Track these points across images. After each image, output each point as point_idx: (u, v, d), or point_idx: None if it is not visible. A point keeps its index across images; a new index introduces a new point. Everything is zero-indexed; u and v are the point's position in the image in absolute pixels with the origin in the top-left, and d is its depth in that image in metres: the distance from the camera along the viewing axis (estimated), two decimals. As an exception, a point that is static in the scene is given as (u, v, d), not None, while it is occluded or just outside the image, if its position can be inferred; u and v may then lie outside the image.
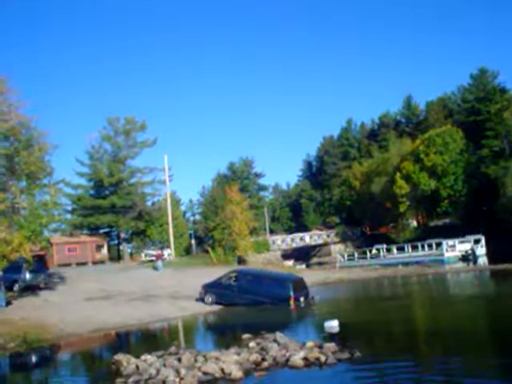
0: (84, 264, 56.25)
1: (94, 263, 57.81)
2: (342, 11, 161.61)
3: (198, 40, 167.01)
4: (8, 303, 24.97)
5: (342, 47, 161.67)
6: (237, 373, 12.44)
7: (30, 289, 28.70)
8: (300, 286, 27.02)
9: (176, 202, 74.77)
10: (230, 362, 13.07)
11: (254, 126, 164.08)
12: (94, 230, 65.34)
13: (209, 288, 28.23)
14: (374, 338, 17.03)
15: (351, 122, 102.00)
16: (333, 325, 17.84)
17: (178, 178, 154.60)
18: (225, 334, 21.51)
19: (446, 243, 53.97)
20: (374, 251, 61.52)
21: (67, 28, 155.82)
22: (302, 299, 26.20)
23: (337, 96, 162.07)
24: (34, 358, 18.93)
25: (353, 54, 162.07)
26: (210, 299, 27.69)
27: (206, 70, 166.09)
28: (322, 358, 12.94)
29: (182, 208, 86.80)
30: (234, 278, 28.12)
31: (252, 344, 15.17)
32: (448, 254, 53.08)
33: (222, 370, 12.63)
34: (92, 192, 65.59)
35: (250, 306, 26.03)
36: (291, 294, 25.56)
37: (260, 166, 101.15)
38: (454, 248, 54.07)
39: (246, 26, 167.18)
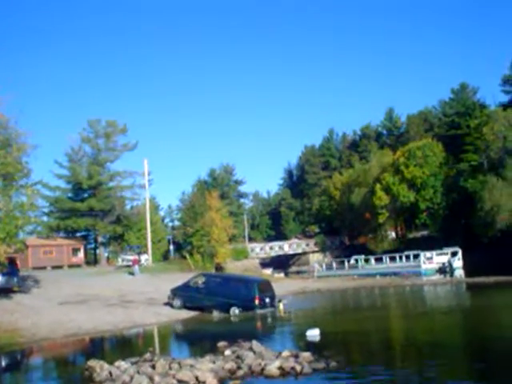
0: (60, 267, 55.45)
1: (70, 267, 57.05)
2: (325, 22, 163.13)
3: (182, 44, 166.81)
4: (-21, 306, 24.47)
5: (325, 57, 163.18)
6: (212, 381, 12.31)
7: (3, 292, 28.11)
8: (266, 287, 27.91)
9: (155, 207, 74.38)
10: (205, 369, 12.93)
11: (236, 132, 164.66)
12: (70, 233, 64.56)
13: (177, 291, 28.50)
14: (350, 348, 17.04)
15: (333, 132, 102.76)
16: (315, 333, 17.98)
17: (157, 182, 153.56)
18: (200, 341, 21.28)
19: (424, 255, 54.42)
20: (352, 261, 61.79)
21: (50, 26, 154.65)
22: (267, 300, 26.95)
23: (319, 106, 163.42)
24: (4, 363, 18.53)
25: (336, 66, 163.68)
26: (179, 303, 27.97)
27: (190, 75, 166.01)
28: (298, 368, 12.87)
29: (161, 213, 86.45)
30: (201, 281, 28.55)
31: (228, 352, 15.03)
32: (425, 266, 53.52)
33: (197, 377, 12.48)
34: (70, 194, 64.82)
35: (217, 308, 26.76)
36: (256, 294, 26.34)
37: (240, 173, 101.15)
38: (432, 260, 54.53)
39: (231, 32, 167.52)
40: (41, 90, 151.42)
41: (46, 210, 63.45)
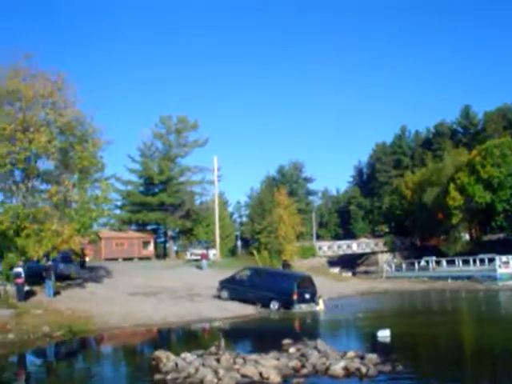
0: (130, 259, 57.23)
1: (141, 259, 58.75)
2: (399, 16, 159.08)
3: (251, 40, 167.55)
4: (56, 293, 25.54)
5: (397, 53, 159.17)
6: (275, 377, 12.22)
7: (62, 278, 29.17)
8: (306, 284, 28.68)
9: (224, 203, 75.16)
10: (269, 366, 12.87)
11: (306, 129, 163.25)
12: (141, 227, 66.49)
13: (224, 284, 29.72)
14: (419, 353, 16.51)
15: (405, 130, 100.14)
16: (385, 334, 17.67)
17: (226, 178, 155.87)
18: (265, 337, 21.29)
19: (500, 259, 51.88)
20: (422, 263, 59.94)
21: (123, 25, 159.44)
22: (307, 296, 27.82)
23: (391, 102, 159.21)
24: (77, 347, 19.31)
25: (409, 61, 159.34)
26: (226, 294, 29.07)
27: (259, 71, 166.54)
28: (363, 369, 12.57)
29: (230, 209, 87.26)
30: (246, 275, 29.96)
31: (292, 350, 14.92)
32: (501, 271, 51.01)
33: (261, 373, 12.44)
34: (142, 189, 66.70)
35: (258, 301, 27.70)
36: (295, 289, 27.18)
37: (310, 171, 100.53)
38: (508, 264, 51.93)
39: (299, 27, 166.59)
40: (115, 86, 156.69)
41: (118, 204, 65.72)
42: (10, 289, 23.76)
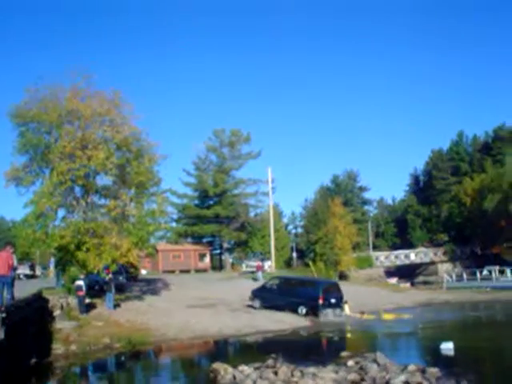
0: (187, 271, 57.95)
1: (197, 271, 59.42)
2: (459, 15, 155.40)
3: (302, 49, 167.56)
4: (116, 306, 26.11)
5: (452, 55, 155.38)
6: (334, 391, 12.03)
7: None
8: (332, 289, 29.76)
9: (278, 214, 75.12)
10: (328, 379, 12.70)
11: (360, 137, 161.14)
12: (197, 239, 67.30)
13: (256, 293, 30.77)
14: (483, 367, 15.84)
15: (462, 135, 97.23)
16: (449, 347, 17.24)
17: (280, 190, 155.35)
18: (322, 350, 21.08)
19: None
20: (485, 272, 57.80)
21: (172, 39, 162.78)
22: (332, 301, 28.58)
23: (447, 107, 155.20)
24: (137, 359, 19.63)
25: (465, 62, 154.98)
26: (258, 303, 29.99)
27: (310, 81, 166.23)
28: (425, 384, 12.19)
29: (285, 220, 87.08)
30: (276, 283, 31.24)
31: (351, 363, 14.66)
32: None
33: (319, 387, 12.28)
34: (197, 202, 67.64)
35: (287, 307, 28.39)
36: (320, 294, 28.17)
37: (365, 180, 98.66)
38: None
39: (343, 35, 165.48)
40: (169, 101, 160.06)
41: (174, 217, 66.85)
42: (72, 301, 24.45)
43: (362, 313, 29.43)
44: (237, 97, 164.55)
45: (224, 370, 14.54)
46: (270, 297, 29.76)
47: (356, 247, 63.34)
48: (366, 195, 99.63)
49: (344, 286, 41.92)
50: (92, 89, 27.65)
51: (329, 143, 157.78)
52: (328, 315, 27.98)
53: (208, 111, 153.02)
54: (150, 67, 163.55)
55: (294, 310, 28.25)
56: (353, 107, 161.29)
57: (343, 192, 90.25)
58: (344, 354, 16.41)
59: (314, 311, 28.03)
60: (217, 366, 14.95)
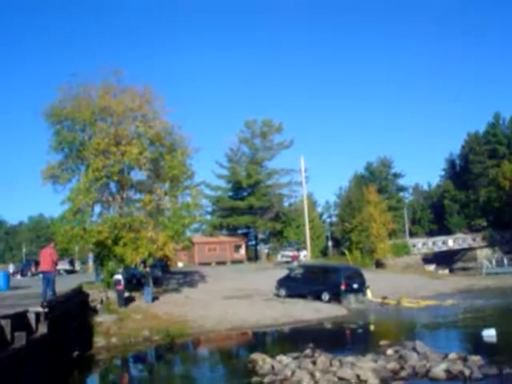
0: (223, 263, 58.34)
1: (233, 262, 59.76)
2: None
3: (333, 36, 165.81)
4: (154, 299, 26.46)
5: (489, 34, 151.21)
6: (373, 380, 11.97)
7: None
8: (354, 275, 30.55)
9: (313, 204, 74.87)
10: (367, 368, 12.61)
11: (393, 123, 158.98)
12: (232, 231, 67.62)
13: (281, 282, 31.37)
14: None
15: (499, 117, 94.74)
16: (491, 333, 16.93)
17: (314, 179, 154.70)
18: (360, 338, 20.94)
19: None
20: (526, 257, 56.51)
21: (202, 30, 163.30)
22: (355, 286, 29.40)
23: (481, 89, 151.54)
24: (176, 351, 19.87)
25: (504, 42, 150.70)
26: (284, 292, 30.54)
27: (341, 66, 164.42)
28: (467, 372, 12.00)
29: (319, 209, 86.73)
30: (300, 272, 32.05)
31: (390, 351, 14.52)
32: None
33: (358, 376, 12.23)
34: (231, 193, 67.95)
35: (311, 295, 29.27)
36: (342, 280, 29.07)
37: (399, 166, 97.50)
38: None
39: (381, 23, 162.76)
40: (200, 94, 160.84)
41: (209, 209, 67.33)
42: (111, 295, 24.88)
43: (384, 298, 29.65)
44: (268, 87, 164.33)
45: (262, 360, 14.61)
46: (294, 285, 30.48)
47: (392, 235, 62.57)
48: (401, 182, 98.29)
49: (380, 274, 41.86)
50: (123, 84, 27.98)
51: (362, 130, 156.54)
52: (350, 300, 28.65)
53: (239, 102, 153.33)
54: (180, 60, 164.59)
55: (318, 297, 29.01)
56: (384, 92, 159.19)
57: (377, 179, 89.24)
58: (382, 342, 16.26)
59: (336, 297, 28.77)
60: (255, 356, 15.02)
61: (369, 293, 30.00)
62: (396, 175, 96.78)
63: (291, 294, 29.91)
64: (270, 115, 79.01)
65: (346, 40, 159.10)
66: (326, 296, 28.96)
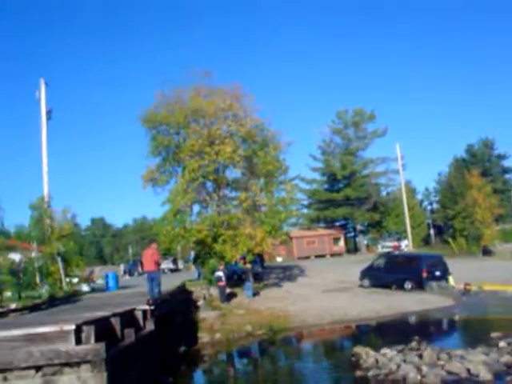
0: (322, 256, 58.06)
1: (332, 255, 59.34)
2: None
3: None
4: (255, 294, 26.82)
5: None
6: (486, 374, 11.35)
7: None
8: (436, 263, 30.13)
9: (411, 191, 72.52)
10: (478, 362, 12.00)
11: (493, 102, 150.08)
12: (330, 223, 67.13)
13: (365, 272, 31.44)
14: None
15: None
16: None
17: (411, 165, 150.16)
18: (469, 330, 19.99)
19: None
20: None
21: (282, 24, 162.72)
22: (437, 273, 29.09)
23: None
24: (279, 345, 20.02)
25: None
26: (367, 282, 30.66)
27: (431, 48, 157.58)
28: None
29: (419, 197, 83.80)
30: (382, 262, 31.88)
31: (502, 344, 13.75)
32: None
33: (469, 370, 11.66)
34: (326, 186, 67.49)
35: (394, 284, 29.08)
36: (424, 268, 28.94)
37: (503, 147, 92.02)
38: None
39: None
40: (288, 87, 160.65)
41: (305, 203, 67.26)
42: (214, 292, 25.52)
43: (467, 284, 28.89)
44: (359, 75, 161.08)
45: (366, 353, 14.36)
46: (377, 275, 30.53)
47: (499, 220, 59.25)
48: (506, 163, 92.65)
49: (485, 262, 39.78)
50: (213, 85, 28.57)
51: (459, 112, 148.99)
52: (433, 288, 28.32)
53: (329, 93, 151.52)
54: (267, 54, 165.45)
55: (401, 286, 28.96)
56: (483, 70, 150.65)
57: (480, 162, 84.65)
58: (494, 334, 15.39)
59: (419, 285, 28.66)
60: (358, 349, 14.79)
61: (451, 279, 29.65)
62: (500, 157, 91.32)
63: (375, 284, 30.00)
64: (361, 104, 77.46)
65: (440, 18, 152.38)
66: (408, 285, 28.92)
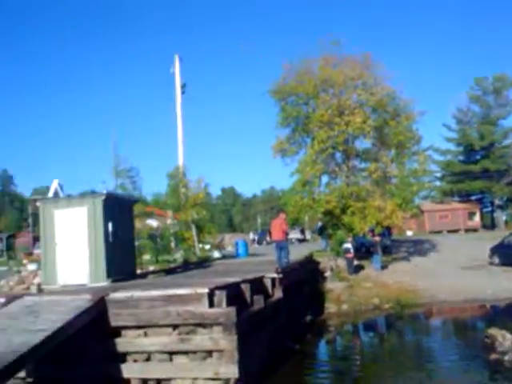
0: (455, 231, 55.57)
1: (466, 231, 56.54)
2: None
3: None
4: (383, 267, 26.42)
5: None
6: None
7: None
8: None
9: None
10: None
11: None
12: (465, 197, 63.80)
13: (494, 250, 29.22)
14: None
15: None
16: None
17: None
18: None
19: None
20: None
21: None
22: None
23: None
24: (406, 320, 19.67)
25: None
26: (497, 260, 28.49)
27: None
28: None
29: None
30: None
31: None
32: None
33: None
34: (461, 157, 64.06)
35: None
36: None
37: None
38: None
39: None
40: (422, 54, 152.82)
41: (438, 175, 64.42)
42: (341, 263, 25.53)
43: None
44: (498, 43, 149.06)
45: (502, 336, 13.58)
46: (508, 252, 28.17)
47: None
48: None
49: None
50: (342, 54, 28.05)
51: None
52: None
53: (464, 61, 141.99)
54: (395, 19, 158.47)
55: None
56: None
57: None
58: None
59: None
60: (493, 331, 14.03)
61: None
62: None
63: (504, 263, 27.91)
64: (502, 69, 71.95)
65: None
66: None
